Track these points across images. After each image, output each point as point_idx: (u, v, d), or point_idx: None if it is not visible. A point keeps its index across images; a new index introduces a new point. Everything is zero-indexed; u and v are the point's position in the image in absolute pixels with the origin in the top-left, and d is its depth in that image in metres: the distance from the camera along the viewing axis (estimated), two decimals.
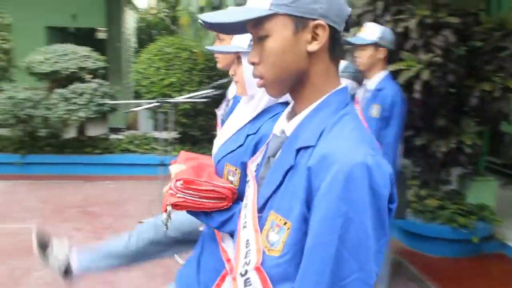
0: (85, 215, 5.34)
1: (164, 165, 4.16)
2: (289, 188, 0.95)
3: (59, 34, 10.53)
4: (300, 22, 0.94)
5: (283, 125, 1.07)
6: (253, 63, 1.01)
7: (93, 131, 7.29)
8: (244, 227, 1.06)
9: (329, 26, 0.95)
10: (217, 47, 1.87)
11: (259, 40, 0.98)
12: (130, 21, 11.47)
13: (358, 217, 0.84)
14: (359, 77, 3.22)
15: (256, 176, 1.13)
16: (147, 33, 12.14)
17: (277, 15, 0.95)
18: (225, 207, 1.55)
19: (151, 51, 7.39)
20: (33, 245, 2.66)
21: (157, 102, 4.38)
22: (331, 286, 0.85)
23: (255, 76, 1.02)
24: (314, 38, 0.95)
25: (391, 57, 3.02)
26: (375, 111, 2.76)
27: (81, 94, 6.90)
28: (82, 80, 7.18)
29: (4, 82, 7.30)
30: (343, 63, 3.33)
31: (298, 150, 0.96)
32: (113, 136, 7.80)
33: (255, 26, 0.98)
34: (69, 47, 7.41)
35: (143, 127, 9.15)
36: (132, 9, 11.80)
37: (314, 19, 0.94)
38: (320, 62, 0.98)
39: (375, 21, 3.53)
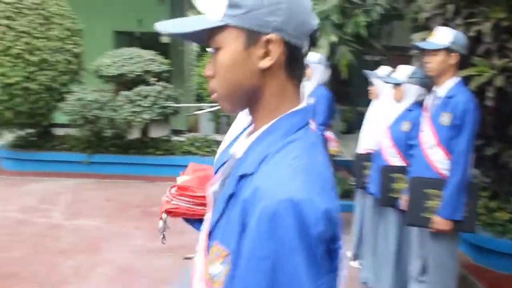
0: (146, 215, 5.50)
1: None
2: (230, 217, 0.86)
3: (126, 38, 10.96)
4: (251, 35, 0.85)
5: (237, 146, 0.97)
6: (207, 76, 0.93)
7: (156, 132, 7.51)
8: (197, 251, 1.00)
9: (286, 41, 0.86)
10: None
11: (214, 52, 0.90)
12: None
13: (286, 258, 0.75)
14: (427, 83, 3.10)
15: (214, 200, 1.01)
16: None
17: (229, 27, 0.86)
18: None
19: None
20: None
21: (219, 105, 4.42)
22: None
23: (210, 89, 0.95)
24: (267, 53, 0.86)
25: (462, 63, 2.88)
26: (445, 119, 2.64)
27: (145, 97, 7.13)
28: (147, 83, 7.41)
29: (74, 85, 7.66)
30: (410, 69, 3.23)
31: (241, 177, 0.87)
32: (175, 138, 7.99)
33: (209, 37, 0.90)
34: (135, 51, 7.69)
35: (204, 129, 9.32)
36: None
37: (267, 33, 0.85)
38: (274, 80, 0.88)
39: (445, 25, 3.39)
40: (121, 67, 7.27)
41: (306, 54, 0.91)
